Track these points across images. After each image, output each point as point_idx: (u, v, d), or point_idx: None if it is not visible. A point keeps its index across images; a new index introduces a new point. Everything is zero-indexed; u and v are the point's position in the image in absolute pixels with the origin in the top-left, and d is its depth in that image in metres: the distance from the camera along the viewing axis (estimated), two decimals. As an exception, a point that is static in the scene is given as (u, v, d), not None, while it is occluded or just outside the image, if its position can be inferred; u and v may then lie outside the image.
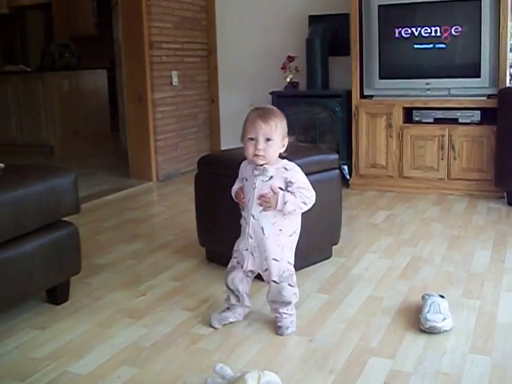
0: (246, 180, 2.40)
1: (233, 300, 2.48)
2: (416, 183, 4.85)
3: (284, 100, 5.37)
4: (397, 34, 4.83)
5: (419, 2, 4.73)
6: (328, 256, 3.28)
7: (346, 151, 5.09)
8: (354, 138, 5.01)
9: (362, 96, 4.99)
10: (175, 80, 5.71)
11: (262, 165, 2.33)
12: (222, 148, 6.05)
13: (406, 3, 4.77)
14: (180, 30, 5.78)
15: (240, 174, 2.47)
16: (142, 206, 4.74)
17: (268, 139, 2.29)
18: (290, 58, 5.52)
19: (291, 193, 2.31)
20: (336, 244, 3.30)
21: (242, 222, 2.42)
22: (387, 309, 2.65)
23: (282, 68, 5.57)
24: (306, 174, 2.98)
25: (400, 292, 2.83)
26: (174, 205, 4.67)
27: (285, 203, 2.29)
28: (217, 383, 1.96)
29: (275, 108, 2.40)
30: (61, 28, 9.99)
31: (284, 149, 2.38)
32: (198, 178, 3.21)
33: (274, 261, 2.35)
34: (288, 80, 5.50)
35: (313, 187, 3.02)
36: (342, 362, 2.20)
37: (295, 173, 2.36)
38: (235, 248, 2.45)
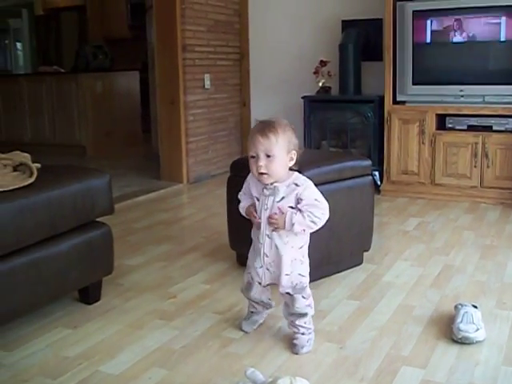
0: (258, 200, 2.28)
1: (259, 308, 2.49)
2: (448, 191, 4.80)
3: (316, 105, 5.37)
4: (431, 40, 4.80)
5: (454, 7, 4.69)
6: (359, 262, 3.27)
7: (378, 157, 5.06)
8: (386, 144, 4.98)
9: (395, 102, 4.96)
10: (207, 83, 5.73)
11: (272, 183, 2.21)
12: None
13: (440, 9, 4.73)
14: (213, 34, 5.81)
15: (248, 190, 2.34)
16: (172, 208, 4.76)
17: (268, 155, 2.16)
18: (323, 63, 5.51)
19: (300, 211, 2.20)
20: (367, 250, 3.29)
21: (254, 239, 2.35)
22: (419, 317, 2.62)
23: (315, 72, 5.56)
24: (339, 180, 3.01)
25: (432, 301, 2.80)
26: (204, 207, 4.68)
27: (292, 224, 2.19)
28: (248, 388, 1.96)
29: (279, 119, 2.23)
30: (94, 30, 10.11)
31: (293, 162, 2.23)
32: (231, 182, 3.22)
33: (285, 276, 2.28)
34: (320, 84, 5.49)
35: (346, 194, 3.04)
36: (373, 371, 2.18)
37: (305, 189, 2.21)
38: (249, 264, 2.39)
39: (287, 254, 2.27)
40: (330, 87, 5.51)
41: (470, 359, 2.25)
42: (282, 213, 2.21)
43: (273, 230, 2.25)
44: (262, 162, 2.16)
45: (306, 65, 5.78)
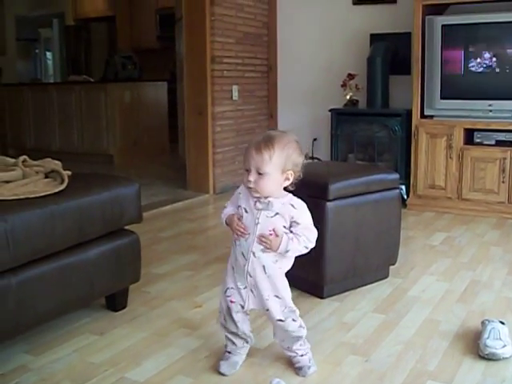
0: (246, 211, 2.12)
1: (239, 344, 2.28)
2: (475, 206, 4.77)
3: (343, 117, 5.38)
4: (460, 54, 4.78)
5: (483, 22, 4.67)
6: (385, 276, 3.26)
7: (404, 171, 5.04)
8: (413, 158, 4.97)
9: (423, 116, 4.94)
10: (235, 94, 5.77)
11: (266, 197, 2.08)
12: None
13: (469, 23, 4.71)
14: (241, 46, 5.85)
15: (236, 200, 2.18)
16: (198, 218, 4.79)
17: (260, 172, 2.03)
18: (351, 76, 5.51)
19: (295, 235, 2.07)
20: (393, 264, 3.27)
21: (238, 256, 2.14)
22: (445, 332, 2.61)
23: (342, 85, 5.56)
24: (366, 193, 3.01)
25: (458, 316, 2.78)
26: (229, 218, 4.68)
27: (287, 251, 2.07)
28: (273, 398, 1.96)
29: (284, 135, 2.09)
30: (124, 40, 10.23)
31: (289, 182, 2.10)
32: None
33: (276, 298, 2.14)
34: (348, 98, 5.50)
35: (373, 207, 3.04)
36: (398, 384, 2.18)
37: (302, 213, 2.10)
38: (229, 286, 2.19)
39: (274, 274, 2.12)
40: (357, 100, 5.51)
41: (496, 375, 2.23)
42: (277, 235, 2.06)
43: (262, 250, 2.09)
44: (252, 177, 2.03)
45: (333, 78, 5.79)
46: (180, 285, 3.21)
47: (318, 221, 2.82)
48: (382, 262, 3.21)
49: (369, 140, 5.34)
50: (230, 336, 2.27)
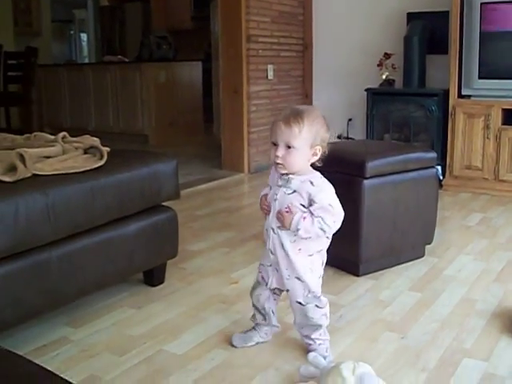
0: (270, 188, 2.13)
1: (259, 319, 2.27)
2: (512, 187, 4.71)
3: (379, 97, 5.35)
4: (498, 33, 4.70)
5: (524, 0, 4.59)
6: (421, 255, 3.24)
7: (441, 151, 4.99)
8: (450, 139, 4.92)
9: (460, 96, 4.88)
10: (270, 74, 5.76)
11: (287, 174, 2.04)
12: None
13: (509, 1, 4.63)
14: (277, 25, 5.82)
15: (269, 179, 2.18)
16: (233, 197, 4.81)
17: (289, 146, 1.98)
18: (387, 55, 5.46)
19: (311, 216, 2.00)
20: (429, 243, 3.26)
21: (265, 233, 2.14)
22: (481, 311, 2.59)
23: (378, 65, 5.52)
24: (404, 172, 3.00)
25: (495, 295, 2.77)
26: (264, 197, 4.70)
27: (297, 229, 2.00)
28: (310, 371, 1.97)
29: (312, 109, 2.05)
30: (158, 21, 10.24)
31: (316, 158, 2.04)
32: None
33: (296, 280, 2.09)
34: (384, 77, 5.45)
35: (410, 185, 3.02)
36: (434, 361, 2.18)
37: (320, 190, 2.01)
38: (261, 262, 2.21)
39: (294, 255, 2.07)
40: (393, 80, 5.46)
41: (534, 354, 2.22)
42: (291, 212, 2.02)
43: (278, 227, 2.07)
44: (280, 152, 1.98)
45: (369, 57, 5.74)
46: (216, 261, 3.24)
47: (355, 199, 2.84)
48: (419, 240, 3.20)
49: (405, 120, 5.29)
50: (253, 309, 2.29)
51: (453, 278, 2.99)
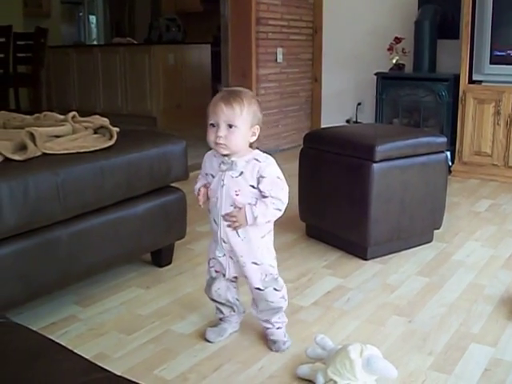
0: (213, 176, 2.04)
1: (226, 312, 2.23)
2: (522, 174, 4.69)
3: (389, 82, 5.32)
4: (510, 19, 4.65)
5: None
6: (429, 240, 3.24)
7: (450, 137, 4.96)
8: (460, 124, 4.89)
9: (471, 81, 4.84)
10: (280, 57, 5.73)
11: (227, 155, 1.98)
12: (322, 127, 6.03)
13: (522, -14, 4.59)
14: (287, 8, 5.79)
15: (203, 169, 2.11)
16: (241, 180, 4.80)
17: (230, 125, 1.93)
18: (397, 40, 5.43)
19: (262, 199, 1.96)
20: (438, 229, 3.25)
21: (212, 223, 2.08)
22: (489, 297, 2.59)
23: (389, 49, 5.48)
24: (413, 156, 2.99)
25: (503, 281, 2.76)
26: (272, 180, 4.69)
27: (255, 218, 1.95)
28: (317, 353, 1.98)
29: (247, 90, 2.03)
30: (167, 3, 10.19)
31: (255, 138, 2.01)
32: (303, 154, 3.23)
33: (253, 265, 2.04)
34: (394, 62, 5.42)
35: (419, 170, 3.01)
36: (441, 346, 2.18)
37: (267, 165, 1.97)
38: (210, 256, 2.14)
39: (248, 238, 2.02)
40: (403, 64, 5.43)
41: (542, 340, 2.22)
42: (239, 208, 1.97)
43: (234, 229, 2.00)
44: (222, 132, 1.93)
45: (379, 41, 5.70)
46: (224, 243, 3.24)
47: (363, 182, 2.84)
48: (427, 225, 3.19)
49: (414, 105, 5.26)
50: (216, 304, 2.23)
51: (461, 264, 2.98)
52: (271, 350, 2.14)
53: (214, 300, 2.21)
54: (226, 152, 1.97)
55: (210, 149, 2.04)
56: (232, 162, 1.98)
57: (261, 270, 2.05)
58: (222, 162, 2.00)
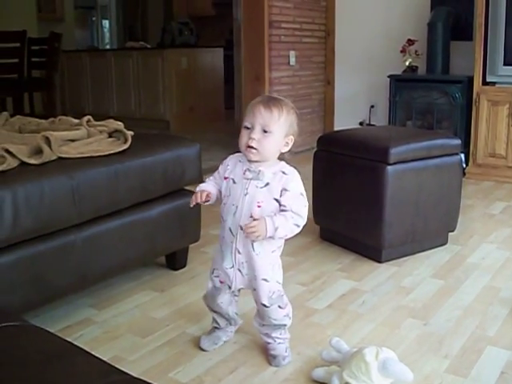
0: (234, 182, 1.95)
1: (222, 324, 2.19)
2: (537, 176, 4.66)
3: (402, 84, 5.31)
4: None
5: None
6: (443, 243, 3.23)
7: (464, 139, 4.95)
8: (474, 126, 4.87)
9: (484, 83, 4.82)
10: (292, 60, 5.73)
11: (255, 162, 1.91)
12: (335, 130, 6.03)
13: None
14: (299, 10, 5.79)
15: (222, 172, 2.02)
16: (254, 183, 4.80)
17: (265, 130, 1.87)
18: (410, 42, 5.41)
19: (282, 211, 1.89)
20: (452, 231, 3.24)
21: (226, 232, 1.97)
22: (505, 300, 2.58)
23: (402, 51, 5.47)
24: (427, 158, 2.98)
25: (519, 284, 2.75)
26: (285, 183, 4.70)
27: (276, 229, 1.85)
28: (332, 356, 1.98)
29: (287, 100, 1.96)
30: (180, 7, 10.24)
31: (287, 149, 1.95)
32: (317, 156, 3.23)
33: (263, 281, 1.98)
34: (407, 64, 5.40)
35: (433, 172, 3.00)
36: (457, 349, 2.17)
37: (292, 179, 1.91)
38: (215, 266, 2.07)
39: (264, 252, 1.95)
40: (417, 67, 5.41)
41: (559, 343, 2.21)
42: (257, 219, 1.87)
43: (252, 240, 1.91)
44: (256, 135, 1.87)
45: (392, 43, 5.68)
46: (238, 246, 3.24)
47: (378, 185, 2.84)
48: (442, 228, 3.18)
49: (428, 107, 5.25)
50: (213, 314, 2.19)
51: (476, 266, 2.97)
52: (270, 364, 2.08)
53: (214, 311, 2.17)
54: (255, 158, 1.90)
55: (233, 153, 2.01)
56: (259, 171, 1.91)
57: (269, 288, 1.99)
58: (248, 170, 1.93)
